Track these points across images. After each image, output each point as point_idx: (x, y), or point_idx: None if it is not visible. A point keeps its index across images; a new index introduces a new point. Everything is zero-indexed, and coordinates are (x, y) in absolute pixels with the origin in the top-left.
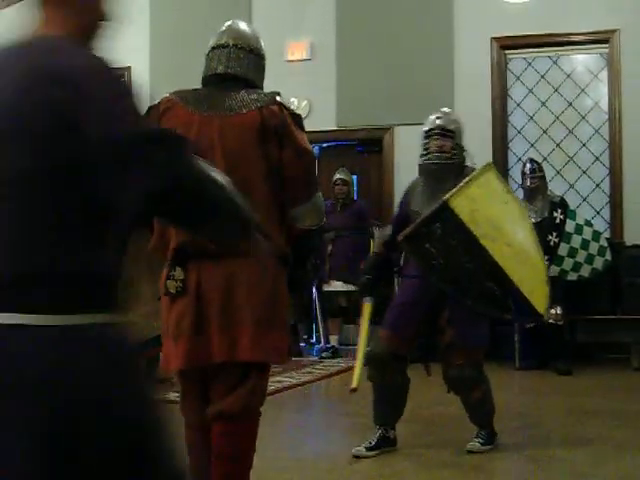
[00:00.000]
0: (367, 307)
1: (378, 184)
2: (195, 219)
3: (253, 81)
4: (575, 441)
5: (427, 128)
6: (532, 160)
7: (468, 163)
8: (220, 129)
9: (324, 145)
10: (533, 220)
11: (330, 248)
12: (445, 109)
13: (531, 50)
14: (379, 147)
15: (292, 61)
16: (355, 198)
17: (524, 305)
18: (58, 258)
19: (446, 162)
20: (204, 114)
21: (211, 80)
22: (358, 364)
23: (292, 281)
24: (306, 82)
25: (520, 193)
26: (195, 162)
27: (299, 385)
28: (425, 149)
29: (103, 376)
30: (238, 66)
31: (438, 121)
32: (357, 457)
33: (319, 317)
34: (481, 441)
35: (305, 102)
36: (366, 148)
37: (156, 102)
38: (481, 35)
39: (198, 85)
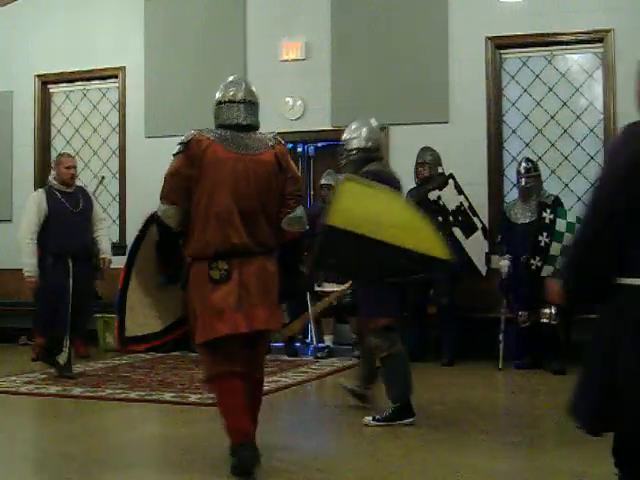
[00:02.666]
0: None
1: None
2: None
3: (258, 126)
4: (570, 440)
5: None
6: (527, 160)
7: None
8: (251, 164)
9: (318, 145)
10: (528, 220)
11: None
12: None
13: (526, 49)
14: None
15: (286, 61)
16: None
17: (432, 261)
18: None
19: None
20: (238, 153)
21: (231, 126)
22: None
23: (289, 282)
24: (301, 82)
25: (515, 192)
26: None
27: (294, 385)
28: None
29: None
30: (253, 118)
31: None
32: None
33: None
34: (376, 417)
35: (299, 102)
36: None
37: (189, 138)
38: (476, 34)
39: (193, 82)
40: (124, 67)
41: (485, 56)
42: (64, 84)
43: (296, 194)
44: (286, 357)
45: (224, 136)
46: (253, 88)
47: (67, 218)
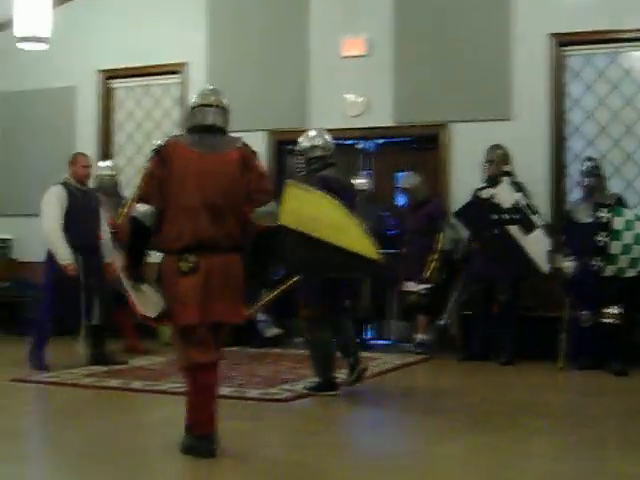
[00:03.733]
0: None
1: (433, 181)
2: None
3: (225, 129)
4: (630, 442)
5: None
6: (590, 158)
7: None
8: (215, 162)
9: (380, 141)
10: (591, 219)
11: (404, 249)
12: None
13: (589, 47)
14: (435, 144)
15: (348, 57)
16: (431, 197)
17: (361, 259)
18: None
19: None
20: (203, 151)
21: (200, 128)
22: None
23: (255, 273)
24: (362, 78)
25: (578, 191)
26: None
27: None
28: None
29: None
30: (219, 119)
31: None
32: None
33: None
34: (307, 386)
35: (361, 99)
36: (422, 145)
37: (162, 143)
38: (539, 31)
39: (255, 78)
40: (186, 63)
41: (548, 53)
42: (126, 79)
43: (264, 189)
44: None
45: (192, 138)
46: (224, 99)
47: (81, 215)
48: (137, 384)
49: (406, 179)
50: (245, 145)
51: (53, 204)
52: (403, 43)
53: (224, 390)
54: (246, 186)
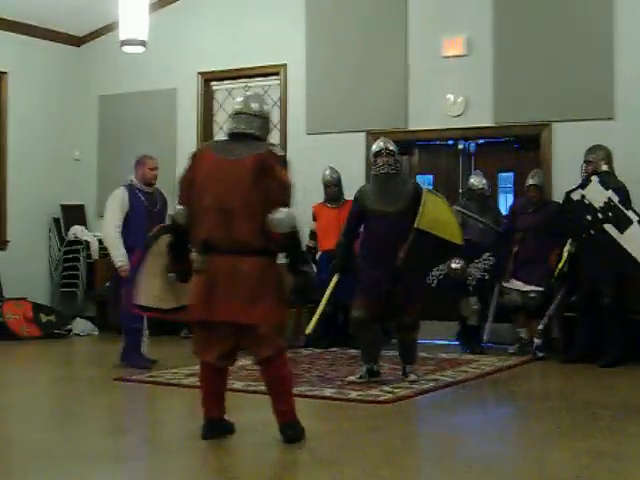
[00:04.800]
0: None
1: None
2: None
3: (258, 136)
4: None
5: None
6: None
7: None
8: (229, 167)
9: (480, 142)
10: None
11: (516, 248)
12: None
13: None
14: (536, 144)
15: (448, 57)
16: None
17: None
18: None
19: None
20: (225, 158)
21: (231, 135)
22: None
23: (295, 281)
24: (462, 78)
25: None
26: None
27: (454, 384)
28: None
29: None
30: (245, 126)
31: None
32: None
33: (490, 315)
34: (418, 373)
35: (461, 98)
36: (523, 145)
37: (197, 149)
38: None
39: (354, 79)
40: (285, 64)
41: None
42: (226, 81)
43: (280, 199)
44: (444, 355)
45: (220, 144)
46: (262, 106)
47: (145, 217)
48: (238, 384)
49: (536, 176)
50: (270, 152)
51: (113, 208)
52: (503, 42)
53: (325, 391)
54: (264, 192)
